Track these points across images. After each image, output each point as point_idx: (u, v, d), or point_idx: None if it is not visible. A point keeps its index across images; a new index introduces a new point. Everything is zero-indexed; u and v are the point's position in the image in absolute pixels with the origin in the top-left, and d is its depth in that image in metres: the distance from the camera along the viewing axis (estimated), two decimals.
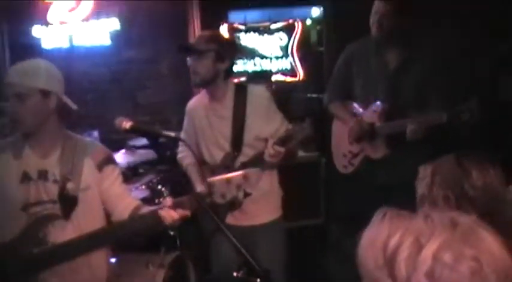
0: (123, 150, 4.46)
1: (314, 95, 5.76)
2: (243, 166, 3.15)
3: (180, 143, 3.48)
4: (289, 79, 5.82)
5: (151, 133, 2.43)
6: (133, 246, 4.05)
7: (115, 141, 4.34)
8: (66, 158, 2.54)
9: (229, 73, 3.32)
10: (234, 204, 3.24)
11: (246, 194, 3.24)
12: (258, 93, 3.34)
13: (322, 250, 5.06)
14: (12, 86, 2.44)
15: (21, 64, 2.51)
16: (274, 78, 5.77)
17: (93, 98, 5.81)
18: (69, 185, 2.50)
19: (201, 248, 4.68)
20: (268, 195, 3.39)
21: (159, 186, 4.34)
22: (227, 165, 3.25)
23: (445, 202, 1.90)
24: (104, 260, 2.75)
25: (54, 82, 2.51)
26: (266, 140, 3.19)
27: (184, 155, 3.53)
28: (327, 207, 5.25)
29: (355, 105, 3.74)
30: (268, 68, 5.85)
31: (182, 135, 3.53)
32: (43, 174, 2.52)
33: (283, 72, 5.84)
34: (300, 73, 5.81)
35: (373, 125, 3.57)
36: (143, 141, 4.54)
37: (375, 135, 3.60)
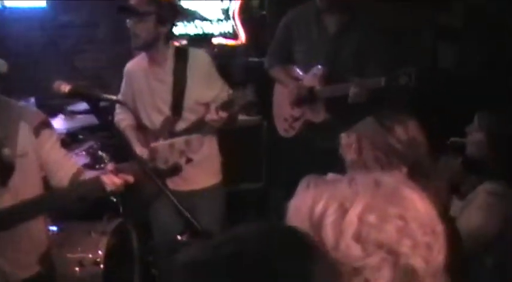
0: (61, 116, 4.34)
1: (256, 59, 5.73)
2: (185, 131, 3.15)
3: (117, 105, 3.45)
4: (230, 42, 5.74)
5: (91, 96, 2.35)
6: (75, 214, 3.99)
7: (53, 107, 4.23)
8: (2, 123, 2.45)
9: (170, 36, 3.27)
10: (175, 170, 3.23)
11: (188, 160, 3.23)
12: (199, 57, 3.32)
13: (263, 214, 5.10)
14: None
15: None
16: (215, 41, 5.69)
17: (28, 62, 5.59)
18: (5, 151, 2.42)
19: (144, 215, 4.68)
20: (208, 160, 3.41)
21: (100, 153, 4.28)
22: (167, 130, 3.23)
23: (376, 162, 2.00)
24: (43, 228, 2.70)
25: None
26: (206, 105, 3.19)
27: (122, 117, 3.48)
28: (268, 172, 5.28)
29: (296, 69, 3.76)
30: (209, 31, 5.76)
31: (120, 96, 3.48)
32: None
33: (225, 36, 5.76)
34: (242, 36, 5.74)
35: (313, 88, 3.60)
36: (82, 106, 4.44)
37: (315, 99, 3.64)
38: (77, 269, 3.49)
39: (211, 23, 5.77)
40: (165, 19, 3.18)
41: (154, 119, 3.33)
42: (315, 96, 3.64)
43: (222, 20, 5.77)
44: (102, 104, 2.50)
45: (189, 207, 3.12)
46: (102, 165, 4.05)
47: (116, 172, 2.38)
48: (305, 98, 3.67)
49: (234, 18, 5.76)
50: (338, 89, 3.51)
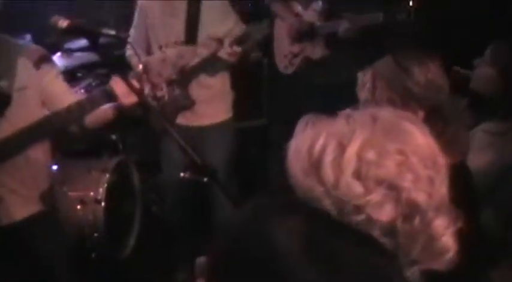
0: (59, 53, 4.28)
1: None
2: (198, 66, 3.16)
3: (129, 39, 3.41)
4: None
5: (90, 32, 2.29)
6: (74, 152, 4.00)
7: (50, 44, 4.15)
8: None
9: None
10: (184, 105, 3.24)
11: (182, 74, 3.22)
12: None
13: (264, 151, 5.11)
14: None
15: None
16: None
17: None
18: (2, 83, 2.39)
19: (145, 152, 4.69)
20: (220, 95, 3.43)
21: None
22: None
23: (390, 104, 1.91)
24: (44, 162, 2.67)
25: None
26: (220, 40, 3.15)
27: (133, 53, 3.43)
28: (269, 109, 5.25)
29: (297, 4, 3.68)
30: None
31: (131, 31, 3.47)
32: None
33: None
34: None
35: (313, 24, 3.54)
36: (80, 43, 4.38)
37: (314, 34, 3.58)
38: (78, 207, 3.54)
39: None
40: None
41: (167, 58, 3.28)
42: (314, 32, 3.58)
43: None
44: (101, 40, 2.43)
45: (198, 143, 3.16)
46: None
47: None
48: (305, 34, 3.61)
49: None
50: (337, 25, 3.44)
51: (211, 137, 3.39)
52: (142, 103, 2.35)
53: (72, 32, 2.29)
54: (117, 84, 2.32)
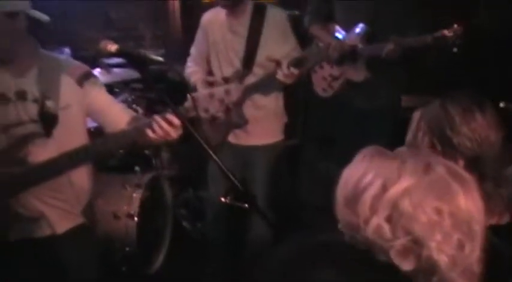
0: (98, 69, 4.34)
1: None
2: (253, 86, 3.20)
3: (189, 58, 3.51)
4: None
5: (138, 57, 2.31)
6: (108, 166, 4.03)
7: (87, 58, 4.22)
8: (44, 77, 2.44)
9: None
10: (237, 123, 3.26)
11: (228, 109, 3.22)
12: (276, 14, 3.32)
13: (296, 171, 5.09)
14: None
15: None
16: None
17: (63, 12, 5.58)
18: (49, 103, 2.42)
19: (177, 167, 4.71)
20: (272, 116, 3.42)
21: (134, 105, 4.29)
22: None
23: (431, 148, 1.82)
24: (86, 179, 2.71)
25: (20, 0, 2.34)
26: (277, 62, 3.17)
27: (193, 70, 3.49)
28: (303, 128, 5.24)
29: (337, 27, 3.67)
30: None
31: (192, 48, 3.53)
32: (21, 95, 2.43)
33: None
34: None
35: (355, 47, 3.51)
36: (118, 59, 4.44)
37: (356, 57, 3.55)
38: (111, 220, 3.55)
39: None
40: None
41: (225, 72, 3.32)
42: (356, 55, 3.55)
43: None
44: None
45: (246, 163, 3.16)
46: None
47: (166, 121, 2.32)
48: (346, 57, 3.58)
49: None
50: (380, 48, 3.41)
51: (259, 157, 3.39)
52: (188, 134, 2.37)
53: (120, 56, 2.30)
54: (165, 120, 2.33)
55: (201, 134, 2.26)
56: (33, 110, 2.43)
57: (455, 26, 3.22)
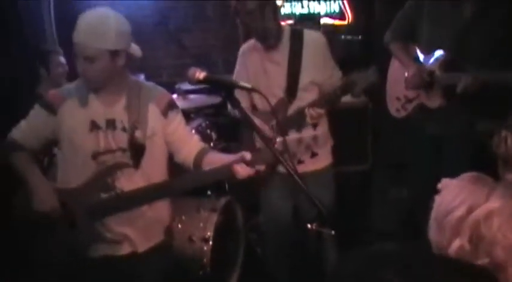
0: (174, 95, 4.45)
1: (357, 37, 5.60)
2: (297, 114, 3.17)
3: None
4: (337, 22, 5.66)
5: (225, 84, 2.37)
6: None
7: (161, 84, 4.33)
8: (133, 106, 2.55)
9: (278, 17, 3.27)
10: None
11: (314, 155, 3.28)
12: (315, 39, 3.29)
13: (367, 197, 5.06)
14: (80, 47, 2.38)
15: (89, 20, 2.39)
16: (322, 21, 5.62)
17: (138, 39, 5.75)
18: (138, 133, 2.53)
19: (248, 192, 4.74)
20: (320, 142, 3.39)
21: (208, 131, 4.36)
22: (281, 113, 3.23)
23: None
24: (167, 203, 2.81)
25: (124, 39, 2.46)
26: (319, 85, 3.22)
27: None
28: (374, 154, 5.22)
29: (418, 50, 3.63)
30: (316, 11, 5.69)
31: (233, 77, 3.51)
32: (111, 123, 2.54)
33: (331, 15, 5.69)
34: (349, 16, 5.65)
35: (433, 73, 3.47)
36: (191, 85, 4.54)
37: (433, 84, 3.51)
38: (186, 244, 3.60)
39: (319, 2, 5.70)
40: (276, 8, 3.22)
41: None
42: (433, 81, 3.51)
43: (329, 0, 5.69)
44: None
45: (297, 190, 3.16)
46: (211, 144, 4.13)
47: (248, 162, 2.39)
48: (423, 81, 3.53)
49: None
50: (458, 78, 3.34)
51: (311, 184, 3.36)
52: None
53: (208, 83, 2.37)
54: (241, 170, 2.38)
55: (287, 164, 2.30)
56: (122, 138, 2.54)
57: None
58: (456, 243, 1.19)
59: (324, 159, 3.46)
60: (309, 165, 3.36)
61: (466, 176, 1.33)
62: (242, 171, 2.37)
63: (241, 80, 3.40)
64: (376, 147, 5.22)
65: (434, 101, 3.56)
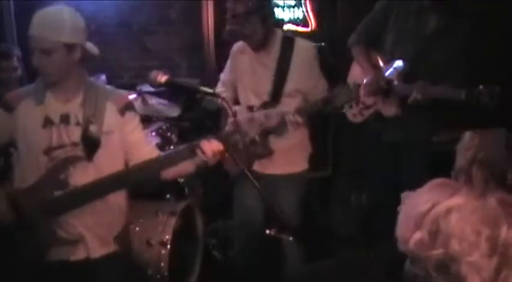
0: (134, 96, 4.40)
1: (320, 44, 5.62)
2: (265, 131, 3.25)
3: (219, 83, 3.61)
4: (301, 29, 5.69)
5: (188, 88, 2.37)
6: (139, 193, 4.05)
7: (123, 86, 4.29)
8: (89, 102, 2.55)
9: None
10: (266, 153, 3.28)
11: (266, 132, 3.28)
12: (304, 47, 3.39)
13: (328, 203, 5.09)
14: (35, 39, 2.42)
15: (44, 15, 2.45)
16: (285, 27, 5.64)
17: (100, 41, 5.68)
18: (92, 127, 2.52)
19: (207, 196, 4.74)
20: (298, 146, 3.47)
21: (169, 133, 4.34)
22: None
23: (482, 183, 1.81)
24: (123, 202, 2.78)
25: (79, 33, 2.49)
26: (303, 94, 3.30)
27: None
28: (334, 160, 5.25)
29: (379, 58, 3.67)
30: (280, 17, 5.71)
31: (222, 75, 3.62)
32: (65, 118, 2.54)
33: (295, 22, 5.71)
34: (313, 23, 5.69)
35: (391, 82, 3.52)
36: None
37: (390, 93, 3.56)
38: (144, 248, 3.57)
39: (283, 9, 5.72)
40: (267, 15, 3.29)
41: (252, 102, 3.39)
42: (390, 91, 3.56)
43: (293, 7, 5.72)
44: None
45: (272, 190, 3.19)
46: (171, 147, 4.10)
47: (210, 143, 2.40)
48: (381, 90, 3.58)
49: (305, 4, 5.70)
50: (411, 89, 3.39)
51: (283, 186, 3.41)
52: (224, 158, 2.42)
53: (169, 87, 2.36)
54: (206, 145, 2.40)
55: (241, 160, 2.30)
56: (75, 133, 2.53)
57: (494, 86, 3.15)
58: (417, 235, 1.25)
59: (299, 164, 3.52)
60: (285, 168, 3.42)
61: (436, 180, 1.39)
62: (207, 147, 2.38)
63: (228, 77, 3.55)
64: (337, 154, 5.26)
65: (390, 110, 3.62)
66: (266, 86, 3.33)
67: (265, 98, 3.33)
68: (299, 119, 3.11)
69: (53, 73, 2.48)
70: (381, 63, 3.66)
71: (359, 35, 3.82)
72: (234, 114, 2.70)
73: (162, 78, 2.32)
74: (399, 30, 3.56)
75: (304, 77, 3.31)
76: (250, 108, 3.35)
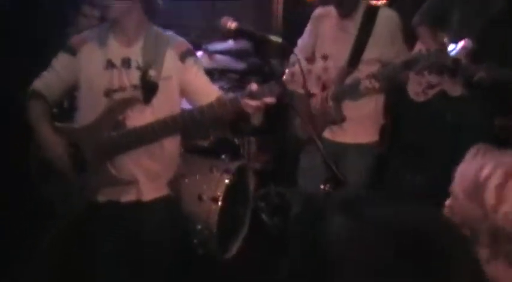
0: (200, 52, 4.43)
1: None
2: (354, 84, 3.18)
3: (296, 48, 3.49)
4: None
5: (257, 37, 2.33)
6: (195, 149, 4.11)
7: (189, 42, 4.32)
8: (149, 48, 2.59)
9: None
10: (338, 119, 3.27)
11: (324, 88, 3.26)
12: (388, 16, 3.31)
13: (380, 180, 5.03)
14: None
15: None
16: None
17: None
18: (151, 72, 2.56)
19: (261, 161, 4.75)
20: (371, 117, 3.41)
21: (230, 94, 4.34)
22: (339, 80, 3.26)
23: None
24: (176, 147, 2.83)
25: None
26: (381, 63, 3.22)
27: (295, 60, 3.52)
28: (391, 136, 5.17)
29: (445, 37, 3.59)
30: None
31: (300, 40, 3.54)
32: (126, 62, 2.59)
33: None
34: None
35: (459, 61, 3.43)
36: (219, 46, 4.52)
37: (457, 72, 3.48)
38: (195, 202, 3.62)
39: None
40: None
41: (329, 68, 3.31)
42: (458, 70, 3.47)
43: None
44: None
45: (340, 158, 3.17)
46: None
47: (258, 94, 2.33)
48: (448, 69, 3.50)
49: None
50: (476, 70, 3.32)
51: (352, 156, 3.38)
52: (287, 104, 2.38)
53: (239, 35, 2.34)
54: (250, 100, 2.35)
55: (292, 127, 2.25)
56: (135, 76, 2.58)
57: None
58: (502, 211, 1.21)
59: (370, 134, 3.48)
60: (355, 138, 3.38)
61: (480, 147, 1.35)
62: (250, 103, 2.33)
63: (307, 41, 3.48)
64: (394, 130, 5.18)
65: (456, 90, 3.54)
66: (345, 52, 3.27)
67: (343, 64, 3.27)
68: (376, 84, 3.05)
69: (113, 7, 2.50)
70: (448, 43, 3.57)
71: (423, 15, 3.76)
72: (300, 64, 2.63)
73: (232, 24, 2.30)
74: (465, 10, 3.47)
75: (385, 46, 3.24)
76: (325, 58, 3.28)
